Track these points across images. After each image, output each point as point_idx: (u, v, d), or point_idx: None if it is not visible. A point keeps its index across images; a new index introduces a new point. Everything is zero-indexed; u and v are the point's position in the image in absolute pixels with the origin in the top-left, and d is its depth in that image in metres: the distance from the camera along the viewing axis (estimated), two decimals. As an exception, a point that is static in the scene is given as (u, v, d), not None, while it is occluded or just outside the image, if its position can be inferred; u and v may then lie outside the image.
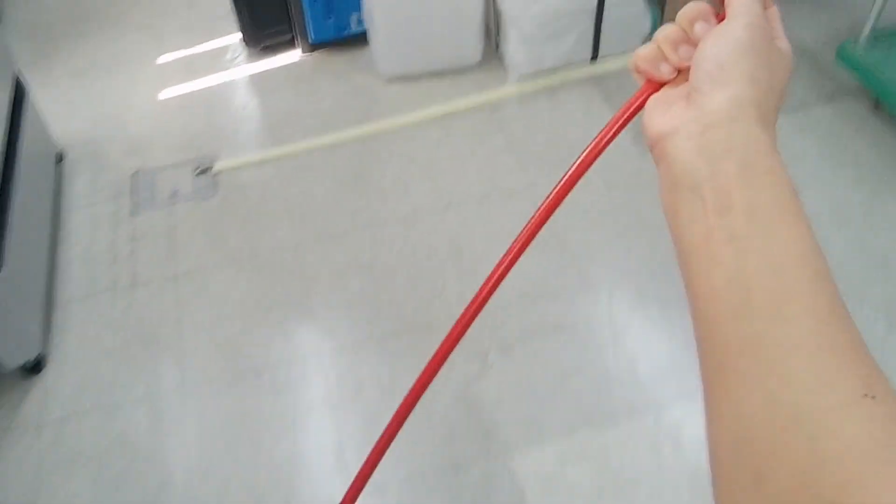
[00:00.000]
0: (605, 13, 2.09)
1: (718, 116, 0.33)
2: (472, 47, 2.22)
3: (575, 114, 2.14)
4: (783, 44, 0.37)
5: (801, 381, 0.27)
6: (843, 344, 0.28)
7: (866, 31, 1.89)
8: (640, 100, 0.40)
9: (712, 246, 0.31)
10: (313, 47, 2.40)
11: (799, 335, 0.28)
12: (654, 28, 2.19)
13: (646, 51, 0.39)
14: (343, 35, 2.36)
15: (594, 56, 2.20)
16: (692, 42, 0.38)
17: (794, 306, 0.29)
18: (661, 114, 0.38)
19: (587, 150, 0.41)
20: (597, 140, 0.41)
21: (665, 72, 0.39)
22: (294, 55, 2.42)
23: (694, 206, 0.33)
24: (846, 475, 0.26)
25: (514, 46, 2.11)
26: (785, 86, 0.36)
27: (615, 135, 0.40)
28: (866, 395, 0.27)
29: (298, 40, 2.39)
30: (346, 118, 2.18)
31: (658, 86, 0.40)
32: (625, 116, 0.40)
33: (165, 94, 2.34)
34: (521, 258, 0.44)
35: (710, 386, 0.31)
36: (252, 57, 2.43)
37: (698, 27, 0.37)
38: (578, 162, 0.41)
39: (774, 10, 0.38)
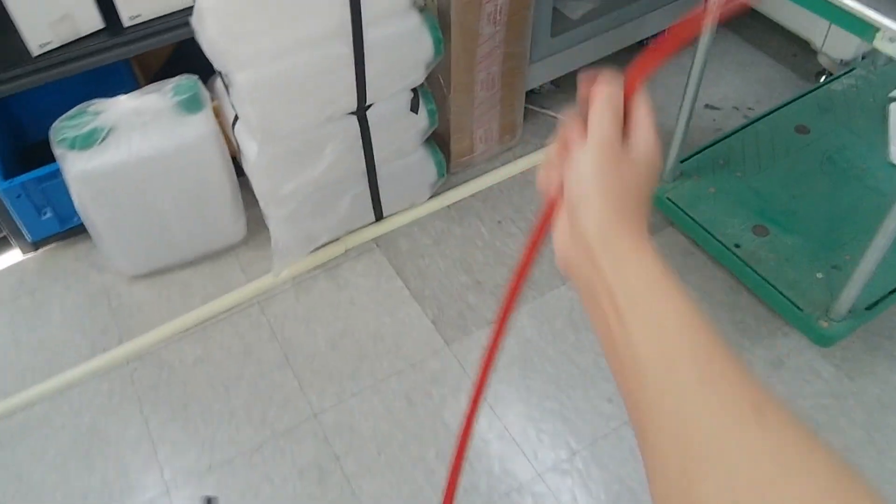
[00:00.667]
0: (380, 169, 1.74)
1: (588, 235, 0.38)
2: (230, 225, 1.81)
3: (362, 293, 1.76)
4: (642, 141, 0.40)
5: (701, 447, 0.30)
6: (736, 403, 0.31)
7: (669, 165, 1.64)
8: (547, 218, 0.43)
9: (611, 332, 0.36)
10: (35, 245, 1.91)
11: (691, 401, 0.31)
12: (441, 173, 1.86)
13: (540, 174, 0.43)
14: (71, 226, 1.88)
15: (378, 216, 1.84)
16: None
17: (681, 373, 0.32)
18: (562, 235, 0.41)
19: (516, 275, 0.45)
20: (521, 262, 0.46)
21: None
22: (13, 256, 1.92)
23: (596, 306, 0.38)
24: None
25: (276, 229, 1.71)
26: (649, 180, 0.40)
27: (534, 253, 0.45)
28: (761, 423, 0.30)
29: (14, 239, 1.89)
30: (80, 343, 1.71)
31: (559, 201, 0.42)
32: (538, 234, 0.44)
33: None
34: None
35: (639, 446, 0.35)
36: (-43, 266, 1.91)
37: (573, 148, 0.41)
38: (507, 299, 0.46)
39: (638, 107, 0.40)
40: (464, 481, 1.42)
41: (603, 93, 0.39)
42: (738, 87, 2.16)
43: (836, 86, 1.87)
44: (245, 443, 1.50)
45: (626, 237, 0.37)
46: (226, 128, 1.68)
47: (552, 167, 0.42)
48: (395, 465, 1.45)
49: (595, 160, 0.38)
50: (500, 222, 1.86)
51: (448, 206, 1.90)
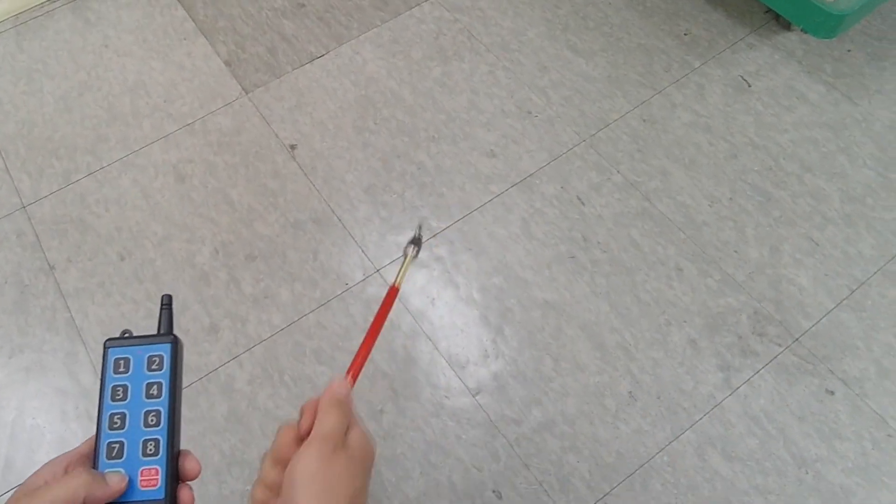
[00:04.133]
0: None
1: None
2: None
3: (124, 31, 1.15)
4: (356, 437, 0.40)
5: None
6: None
7: None
8: None
9: None
10: None
11: None
12: None
13: (254, 491, 0.41)
14: None
15: (139, -87, 1.18)
16: None
17: None
18: None
19: None
20: None
21: None
22: None
23: None
24: None
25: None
26: (364, 473, 0.39)
27: None
28: None
29: None
30: None
31: None
32: None
33: None
34: None
35: None
36: None
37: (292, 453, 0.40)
38: None
39: (352, 410, 0.41)
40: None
41: (331, 394, 0.40)
42: None
43: None
44: (-90, 255, 0.94)
45: None
46: None
47: (267, 480, 0.39)
48: (143, 277, 0.91)
49: (312, 458, 0.38)
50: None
51: None
